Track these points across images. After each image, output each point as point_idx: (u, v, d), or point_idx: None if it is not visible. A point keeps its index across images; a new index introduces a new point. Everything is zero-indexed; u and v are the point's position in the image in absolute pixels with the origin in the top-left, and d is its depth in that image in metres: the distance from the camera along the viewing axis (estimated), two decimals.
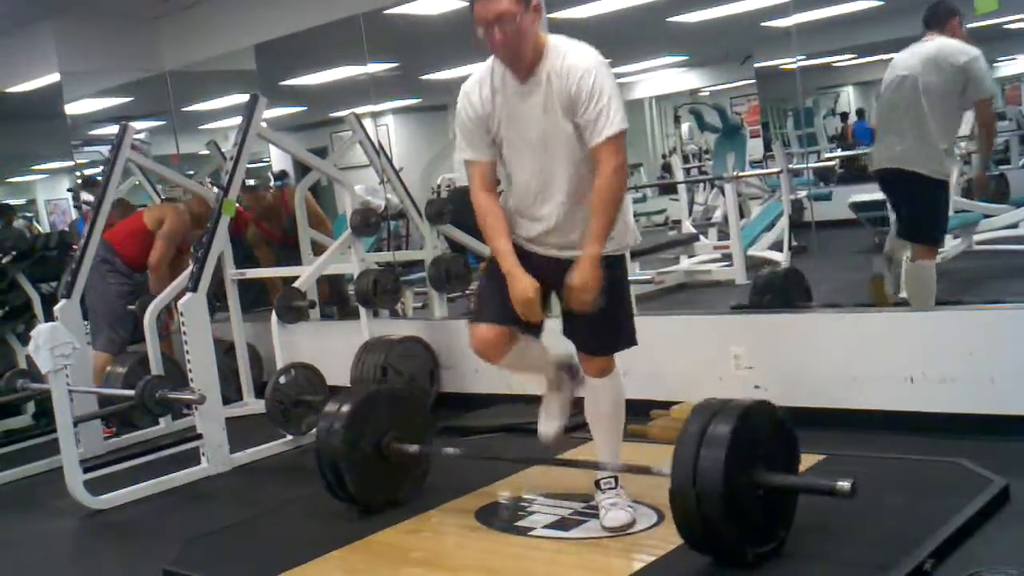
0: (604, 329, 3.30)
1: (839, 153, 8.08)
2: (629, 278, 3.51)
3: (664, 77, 9.54)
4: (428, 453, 3.89)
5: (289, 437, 5.05)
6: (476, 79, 3.24)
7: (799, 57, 5.31)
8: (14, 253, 6.05)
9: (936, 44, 4.52)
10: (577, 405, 3.61)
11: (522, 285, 3.16)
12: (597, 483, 3.45)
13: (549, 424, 3.60)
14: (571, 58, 3.09)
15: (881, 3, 6.10)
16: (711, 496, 2.81)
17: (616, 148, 3.06)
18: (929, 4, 4.58)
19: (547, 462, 3.92)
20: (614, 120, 3.04)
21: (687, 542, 2.97)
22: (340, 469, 3.70)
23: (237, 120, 5.33)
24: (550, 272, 3.24)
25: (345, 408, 3.74)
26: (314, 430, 4.99)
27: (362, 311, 5.48)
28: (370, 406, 3.80)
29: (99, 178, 6.31)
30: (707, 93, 9.38)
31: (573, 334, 3.36)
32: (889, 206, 4.98)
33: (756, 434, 2.97)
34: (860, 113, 8.13)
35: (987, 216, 6.54)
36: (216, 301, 6.11)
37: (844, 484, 2.83)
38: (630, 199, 3.36)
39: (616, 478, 3.43)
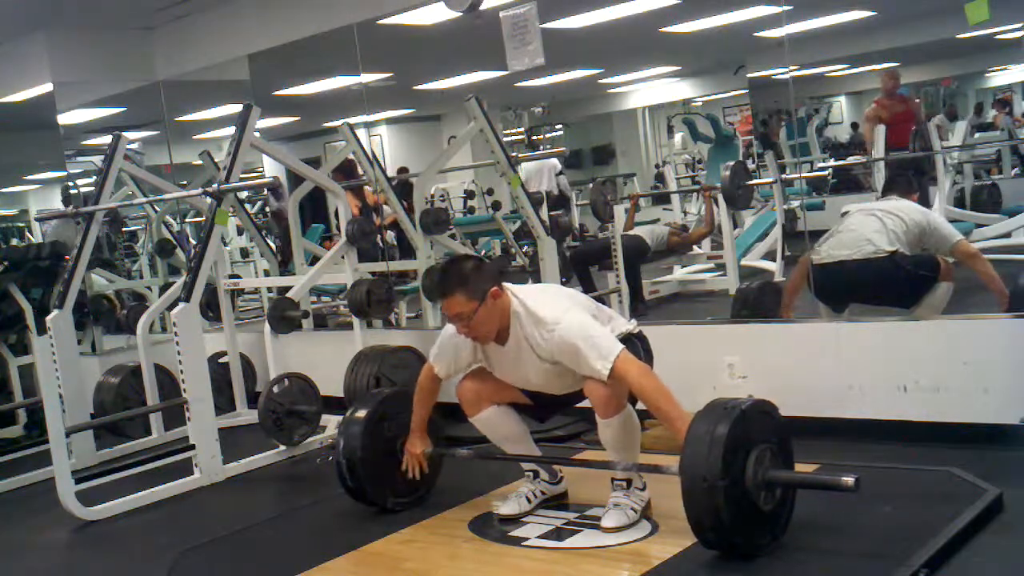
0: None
1: (832, 163, 8.10)
2: None
3: (657, 87, 9.56)
4: (440, 455, 3.97)
5: (282, 447, 5.03)
6: None
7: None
8: (6, 263, 6.03)
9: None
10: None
11: (414, 444, 3.80)
12: (612, 481, 3.52)
13: (508, 505, 3.72)
14: (539, 329, 3.35)
15: (873, 14, 6.11)
16: (721, 491, 2.91)
17: (623, 367, 3.25)
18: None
19: (560, 461, 3.99)
20: (607, 356, 3.25)
21: (698, 537, 3.04)
22: (357, 470, 3.81)
23: (230, 130, 5.33)
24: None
25: (362, 411, 3.88)
26: (307, 440, 5.06)
27: (355, 321, 5.47)
28: (385, 409, 3.91)
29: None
30: (700, 103, 9.40)
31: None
32: None
33: (759, 432, 3.07)
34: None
35: (980, 226, 6.56)
36: (209, 311, 6.12)
37: (848, 479, 2.90)
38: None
39: (629, 481, 3.48)
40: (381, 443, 3.86)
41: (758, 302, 5.32)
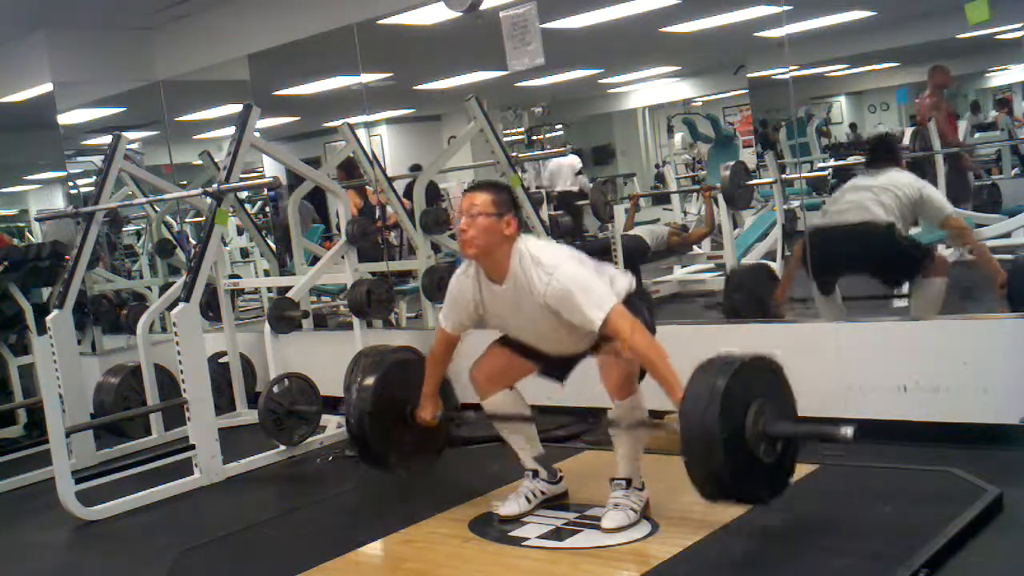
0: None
1: (832, 163, 8.10)
2: None
3: (657, 87, 9.56)
4: (449, 419, 3.99)
5: (282, 447, 5.03)
6: (466, 267, 3.60)
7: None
8: (6, 263, 6.03)
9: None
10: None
11: (425, 409, 3.81)
12: (611, 480, 3.52)
13: (508, 505, 3.72)
14: (537, 270, 3.37)
15: (873, 14, 6.12)
16: (720, 443, 2.91)
17: (617, 318, 3.27)
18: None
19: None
20: (601, 305, 3.28)
21: (697, 490, 3.06)
22: (364, 423, 3.82)
23: (230, 130, 5.33)
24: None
25: (371, 377, 3.90)
26: (307, 440, 5.06)
27: (355, 321, 5.47)
28: (396, 375, 3.93)
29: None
30: (700, 103, 9.40)
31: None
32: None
33: (759, 385, 3.09)
34: None
35: (980, 226, 6.55)
36: (209, 311, 6.12)
37: (847, 430, 2.92)
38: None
39: (628, 480, 3.48)
40: (391, 403, 3.87)
41: (751, 285, 5.31)
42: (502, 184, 3.62)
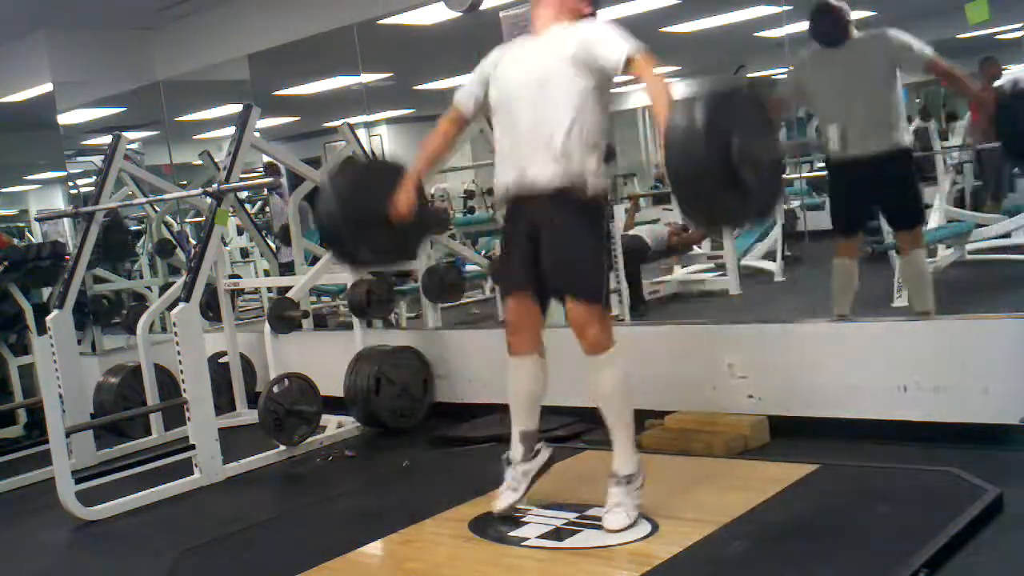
0: (569, 268, 3.41)
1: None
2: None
3: None
4: (426, 213, 3.96)
5: (282, 447, 5.03)
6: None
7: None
8: (6, 263, 6.03)
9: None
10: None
11: (401, 200, 3.64)
12: (609, 476, 3.49)
13: (500, 500, 3.66)
14: (582, 23, 3.51)
15: (873, 14, 6.11)
16: (705, 164, 2.92)
17: (643, 59, 3.35)
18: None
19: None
20: (626, 48, 3.34)
21: (686, 215, 3.19)
22: (342, 238, 3.74)
23: (230, 130, 5.33)
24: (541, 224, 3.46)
25: (343, 179, 3.80)
26: (307, 440, 5.06)
27: (355, 321, 5.47)
28: (369, 177, 3.89)
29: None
30: None
31: (550, 281, 3.48)
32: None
33: (739, 113, 3.06)
34: None
35: (979, 225, 6.56)
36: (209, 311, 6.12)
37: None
38: (597, 159, 3.50)
39: (627, 477, 3.45)
40: (364, 201, 3.72)
41: None
42: None
